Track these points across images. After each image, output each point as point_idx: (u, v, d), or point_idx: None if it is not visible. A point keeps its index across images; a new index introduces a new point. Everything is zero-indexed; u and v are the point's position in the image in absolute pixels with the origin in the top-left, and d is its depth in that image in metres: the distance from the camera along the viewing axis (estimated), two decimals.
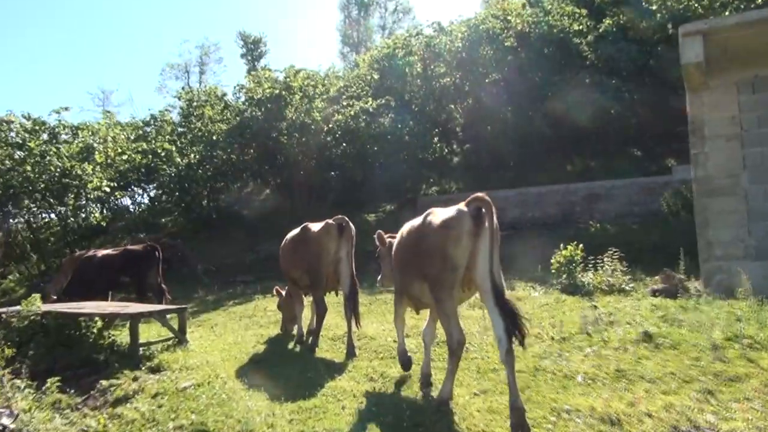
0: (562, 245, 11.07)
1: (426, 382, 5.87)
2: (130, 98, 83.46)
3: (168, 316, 8.80)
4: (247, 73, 27.44)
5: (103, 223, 21.65)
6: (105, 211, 24.54)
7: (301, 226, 8.43)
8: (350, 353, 7.45)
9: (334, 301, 9.33)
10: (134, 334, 7.62)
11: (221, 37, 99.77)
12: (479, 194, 4.88)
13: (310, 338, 8.39)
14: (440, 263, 4.90)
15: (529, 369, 6.05)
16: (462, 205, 4.98)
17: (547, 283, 11.15)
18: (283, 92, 22.13)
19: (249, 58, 46.80)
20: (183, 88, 32.59)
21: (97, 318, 7.87)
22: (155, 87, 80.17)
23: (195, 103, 25.47)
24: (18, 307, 8.00)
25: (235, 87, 25.22)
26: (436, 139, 24.24)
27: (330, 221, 7.92)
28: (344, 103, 23.85)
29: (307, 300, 9.22)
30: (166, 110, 29.44)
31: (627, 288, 10.04)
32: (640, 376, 5.53)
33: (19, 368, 6.16)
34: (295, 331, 9.13)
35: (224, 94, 25.58)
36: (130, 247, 13.34)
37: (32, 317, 7.58)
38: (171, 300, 12.91)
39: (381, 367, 6.72)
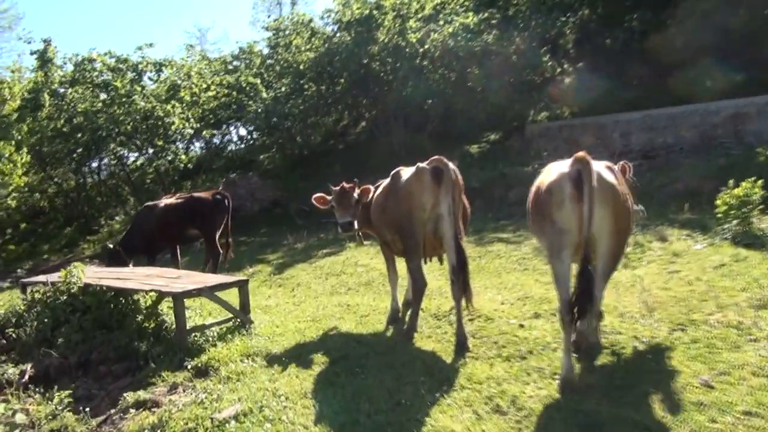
0: (731, 182, 8.45)
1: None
2: (225, 35, 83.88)
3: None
4: None
5: (189, 165, 21.04)
6: (197, 151, 24.06)
7: (393, 172, 6.23)
8: (461, 346, 5.54)
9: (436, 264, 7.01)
10: (180, 318, 6.00)
11: None
12: (580, 154, 4.53)
13: (407, 314, 6.51)
14: (549, 227, 4.78)
15: None
16: (567, 165, 4.68)
17: (708, 231, 8.66)
18: (374, 12, 20.04)
19: None
20: (269, 16, 31.09)
21: (147, 291, 6.39)
22: (248, 22, 79.65)
23: (286, 32, 23.92)
24: (56, 275, 6.67)
25: (323, 12, 23.26)
26: (546, 57, 21.36)
27: (422, 165, 5.71)
28: (441, 22, 21.34)
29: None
30: (254, 42, 28.20)
31: None
32: None
33: (44, 365, 4.96)
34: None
35: (311, 20, 23.75)
36: (195, 194, 11.62)
37: (72, 291, 6.18)
38: (233, 258, 11.61)
39: (509, 378, 4.75)
